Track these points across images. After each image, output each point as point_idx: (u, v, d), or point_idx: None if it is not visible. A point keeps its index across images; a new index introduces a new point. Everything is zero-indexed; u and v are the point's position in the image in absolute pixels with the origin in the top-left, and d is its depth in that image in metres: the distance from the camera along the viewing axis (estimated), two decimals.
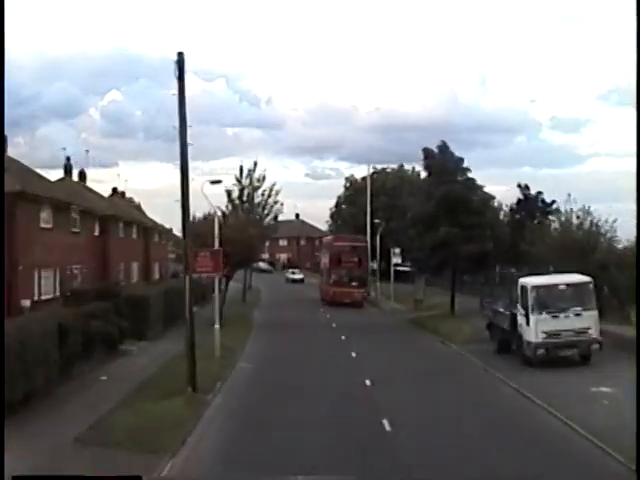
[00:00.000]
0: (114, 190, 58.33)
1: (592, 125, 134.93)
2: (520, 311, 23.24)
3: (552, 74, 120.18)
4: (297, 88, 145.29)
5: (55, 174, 44.14)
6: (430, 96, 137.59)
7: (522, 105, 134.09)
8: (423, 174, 44.27)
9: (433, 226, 37.11)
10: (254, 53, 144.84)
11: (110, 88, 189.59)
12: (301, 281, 76.75)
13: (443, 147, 38.82)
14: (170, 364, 22.08)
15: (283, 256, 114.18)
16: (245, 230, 35.01)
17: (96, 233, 39.18)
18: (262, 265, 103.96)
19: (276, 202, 48.59)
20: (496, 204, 40.34)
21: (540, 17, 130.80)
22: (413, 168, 75.93)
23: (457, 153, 38.88)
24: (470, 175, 38.34)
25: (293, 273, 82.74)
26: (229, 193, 46.84)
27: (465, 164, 38.55)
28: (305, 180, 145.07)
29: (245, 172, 48.36)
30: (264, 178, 48.50)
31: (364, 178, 75.82)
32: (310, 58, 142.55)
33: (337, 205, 77.00)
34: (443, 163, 38.00)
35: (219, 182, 28.15)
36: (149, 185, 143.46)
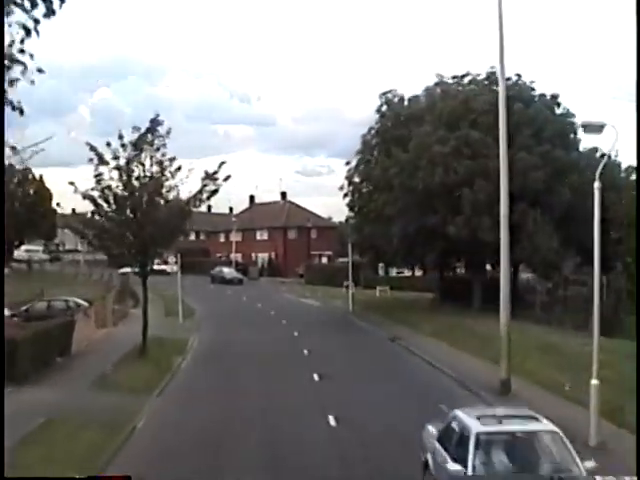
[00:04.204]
0: None
1: None
2: None
3: None
4: (288, 84, 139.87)
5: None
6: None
7: None
8: None
9: None
10: (244, 50, 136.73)
11: (99, 85, 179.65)
12: None
13: None
14: None
15: (263, 256, 74.19)
16: None
17: None
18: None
19: None
20: None
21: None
22: (489, 77, 35.80)
23: None
24: None
25: None
26: None
27: None
28: (296, 177, 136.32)
29: None
30: None
31: (414, 98, 36.79)
32: (300, 54, 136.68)
33: (363, 151, 36.37)
34: None
35: None
36: None
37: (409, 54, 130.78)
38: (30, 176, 66.11)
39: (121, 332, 28.89)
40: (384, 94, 35.96)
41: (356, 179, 36.87)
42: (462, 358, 22.41)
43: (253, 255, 73.73)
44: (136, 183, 21.02)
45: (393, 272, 64.27)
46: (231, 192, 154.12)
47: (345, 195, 36.98)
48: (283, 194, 78.74)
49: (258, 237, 74.70)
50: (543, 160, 32.06)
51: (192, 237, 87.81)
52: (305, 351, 24.42)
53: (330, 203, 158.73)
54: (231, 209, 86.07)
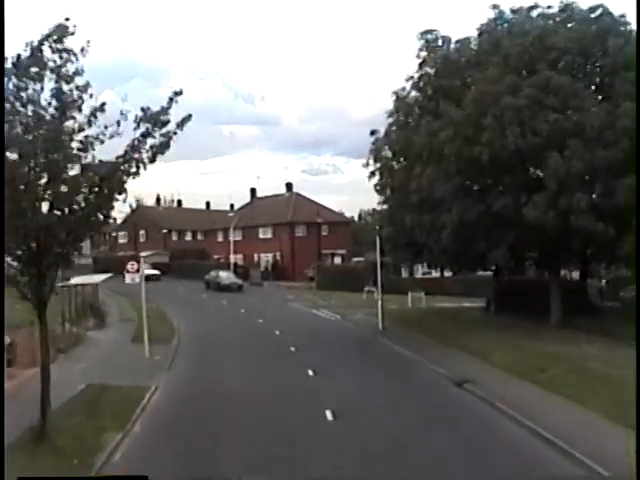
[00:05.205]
0: None
1: None
2: None
3: None
4: (292, 84, 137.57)
5: None
6: None
7: None
8: None
9: None
10: (248, 50, 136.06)
11: (104, 88, 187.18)
12: None
13: None
14: None
15: (266, 257, 64.79)
16: None
17: None
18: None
19: None
20: None
21: None
22: (563, 9, 26.48)
23: None
24: None
25: None
26: None
27: None
28: (302, 176, 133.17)
29: None
30: None
31: (464, 40, 27.57)
32: (305, 53, 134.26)
33: (398, 110, 26.23)
34: None
35: None
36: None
37: (410, 51, 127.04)
38: None
39: (55, 375, 19.28)
40: (423, 34, 26.30)
41: (387, 152, 27.26)
42: (602, 431, 12.83)
43: (255, 256, 64.34)
44: (19, 131, 11.64)
45: (418, 273, 55.13)
46: (237, 191, 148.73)
47: (372, 174, 27.33)
48: (289, 185, 69.22)
49: (261, 235, 65.27)
50: None
51: (188, 237, 78.63)
52: (328, 414, 14.81)
53: (338, 202, 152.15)
54: (232, 206, 76.96)
